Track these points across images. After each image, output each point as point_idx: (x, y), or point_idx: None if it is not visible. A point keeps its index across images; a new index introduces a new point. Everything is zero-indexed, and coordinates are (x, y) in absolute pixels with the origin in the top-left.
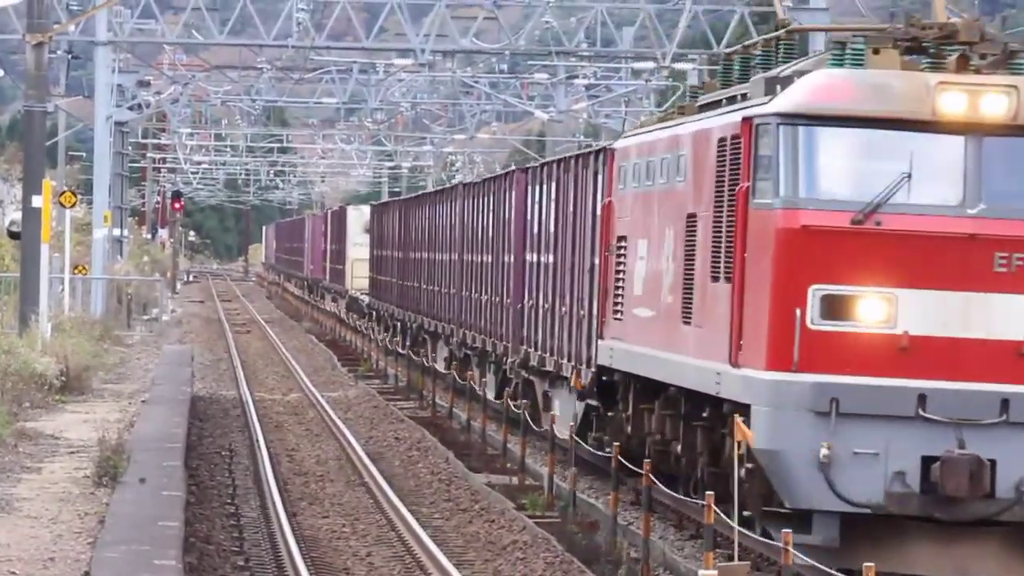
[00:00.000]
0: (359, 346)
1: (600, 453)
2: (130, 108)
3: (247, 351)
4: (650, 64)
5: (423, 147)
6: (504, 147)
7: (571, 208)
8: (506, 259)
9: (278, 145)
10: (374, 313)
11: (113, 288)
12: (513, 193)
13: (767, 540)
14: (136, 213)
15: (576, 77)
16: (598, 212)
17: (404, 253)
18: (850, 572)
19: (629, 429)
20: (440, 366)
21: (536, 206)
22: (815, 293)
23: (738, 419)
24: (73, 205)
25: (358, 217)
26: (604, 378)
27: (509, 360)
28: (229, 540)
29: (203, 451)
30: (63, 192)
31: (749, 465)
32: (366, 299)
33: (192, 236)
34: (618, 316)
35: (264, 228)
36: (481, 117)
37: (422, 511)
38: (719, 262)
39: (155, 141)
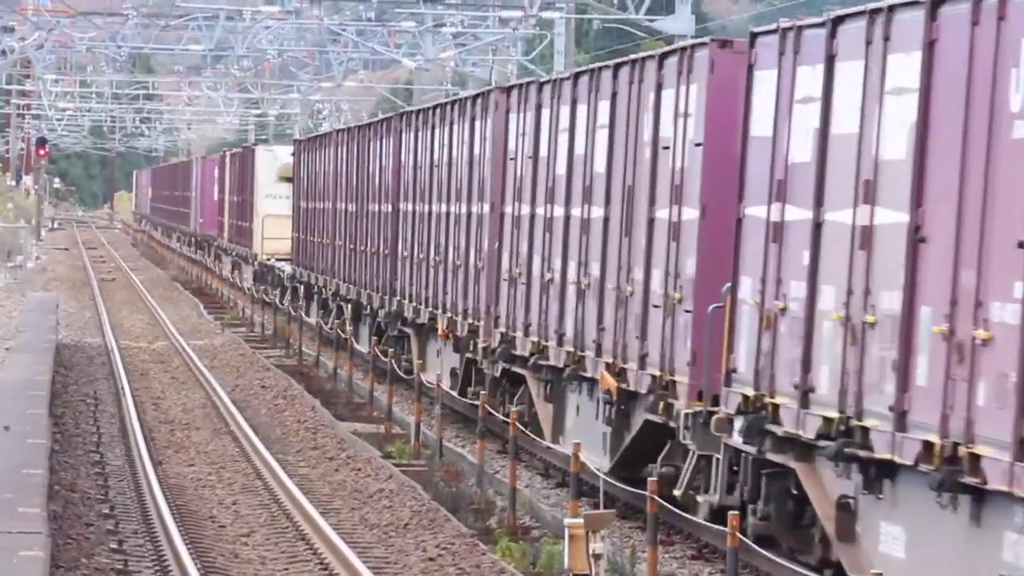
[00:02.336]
0: (225, 294)
1: None
2: None
3: (113, 299)
4: (517, 13)
5: (290, 95)
6: (371, 95)
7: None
8: (620, 214)
9: (144, 92)
10: (301, 287)
11: None
12: (641, 98)
13: (632, 488)
14: (0, 160)
15: (443, 25)
16: None
17: (359, 205)
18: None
19: None
20: (446, 383)
21: (761, 116)
22: None
23: (603, 369)
24: None
25: (270, 161)
26: None
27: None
28: (94, 488)
29: (68, 399)
30: None
31: None
32: (286, 268)
33: (57, 183)
34: None
35: (135, 174)
36: (348, 65)
37: (288, 459)
38: None
39: (19, 87)
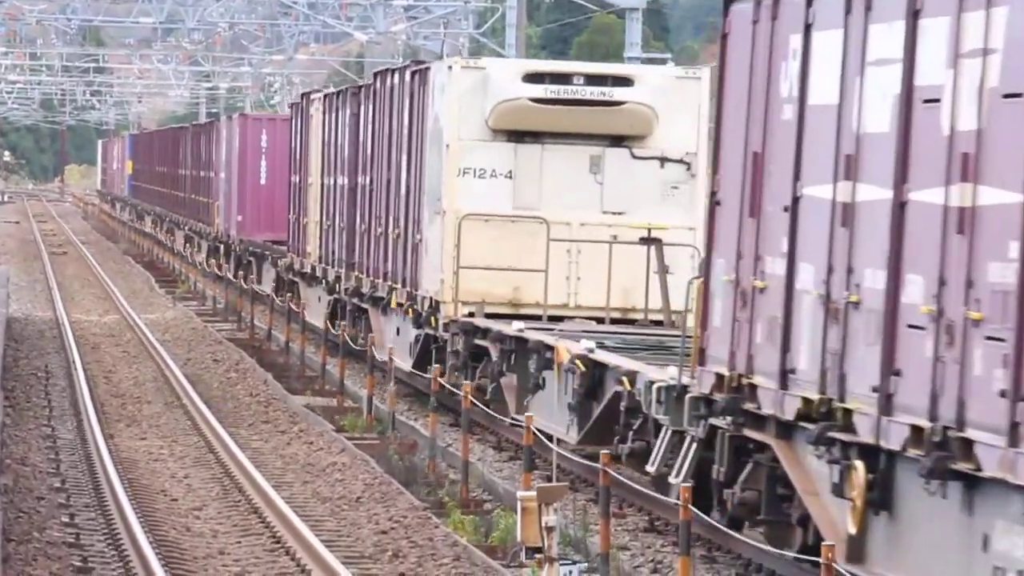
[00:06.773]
0: (176, 268)
1: None
2: None
3: (63, 272)
4: None
5: (241, 68)
6: (323, 68)
7: None
8: None
9: (94, 65)
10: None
11: None
12: None
13: (585, 461)
14: None
15: None
16: None
17: None
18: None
19: None
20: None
21: None
22: None
23: (559, 344)
24: None
25: (476, 90)
26: None
27: None
28: (45, 462)
29: (19, 372)
30: None
31: None
32: (646, 372)
33: (7, 156)
34: None
35: (102, 144)
36: (300, 38)
37: (240, 433)
38: None
39: None
